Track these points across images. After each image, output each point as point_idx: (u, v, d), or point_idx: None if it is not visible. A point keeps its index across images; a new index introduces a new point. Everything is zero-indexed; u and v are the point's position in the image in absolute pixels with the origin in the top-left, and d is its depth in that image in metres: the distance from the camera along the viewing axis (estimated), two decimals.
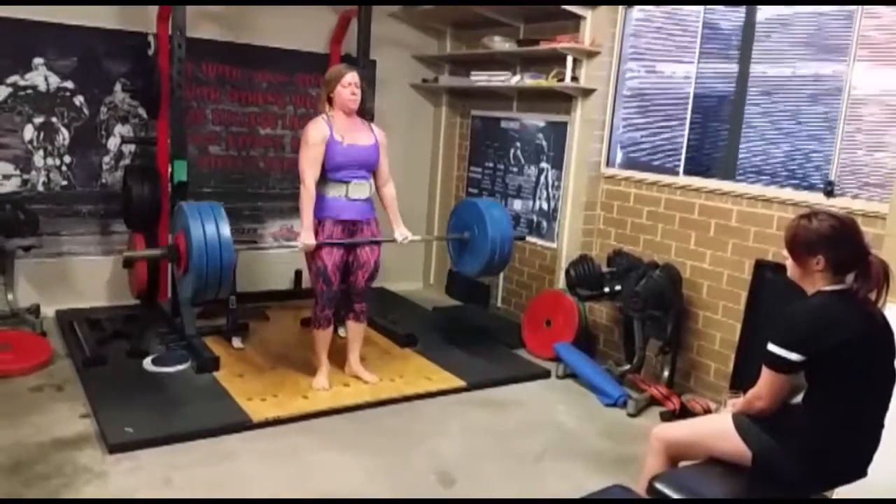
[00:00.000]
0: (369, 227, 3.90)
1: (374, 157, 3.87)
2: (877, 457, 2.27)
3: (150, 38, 4.84)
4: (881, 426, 2.26)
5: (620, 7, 4.61)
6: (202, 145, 5.22)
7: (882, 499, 2.70)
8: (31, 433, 3.26)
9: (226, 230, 3.39)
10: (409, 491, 3.05)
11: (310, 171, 3.68)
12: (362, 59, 5.07)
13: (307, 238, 3.68)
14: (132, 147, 5.02)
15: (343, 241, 3.81)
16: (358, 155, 3.80)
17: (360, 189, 3.81)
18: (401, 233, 4.01)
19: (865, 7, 3.48)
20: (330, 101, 3.79)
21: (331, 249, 3.75)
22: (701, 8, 4.22)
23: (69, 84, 4.77)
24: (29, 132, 4.70)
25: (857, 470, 2.29)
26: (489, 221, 4.21)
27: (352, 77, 3.75)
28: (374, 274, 3.96)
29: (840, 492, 2.53)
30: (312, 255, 3.76)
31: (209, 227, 3.35)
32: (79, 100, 4.82)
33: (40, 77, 4.68)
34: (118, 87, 4.92)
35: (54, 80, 4.72)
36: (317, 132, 3.70)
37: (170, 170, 4.41)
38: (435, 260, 6.37)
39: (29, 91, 4.65)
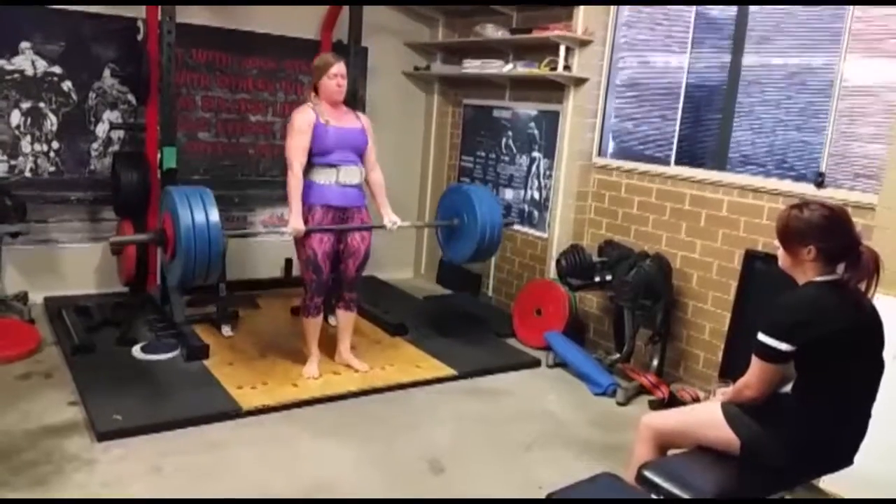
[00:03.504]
0: (360, 214, 3.88)
1: (362, 141, 3.87)
2: (863, 445, 2.29)
3: (140, 24, 4.78)
4: (868, 416, 2.28)
5: None
6: (191, 132, 5.18)
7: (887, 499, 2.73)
8: (19, 420, 3.24)
9: (214, 214, 3.34)
10: (399, 478, 3.06)
11: (297, 158, 3.67)
12: (353, 47, 5.05)
13: (296, 224, 3.64)
14: (121, 133, 4.97)
15: (332, 228, 3.78)
16: (345, 137, 3.79)
17: (351, 174, 3.80)
18: (390, 219, 3.96)
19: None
20: (316, 89, 3.79)
21: (321, 237, 3.73)
22: None
23: (57, 69, 4.71)
24: (16, 117, 4.65)
25: (844, 458, 2.31)
26: (478, 207, 4.19)
27: (338, 68, 3.73)
28: (364, 262, 3.95)
29: (826, 479, 2.55)
30: (302, 243, 3.74)
31: (197, 211, 3.31)
32: (67, 85, 4.77)
33: (27, 62, 4.62)
34: (107, 72, 4.87)
35: (41, 65, 4.67)
36: (302, 119, 3.70)
37: (159, 156, 4.37)
38: (426, 249, 6.36)
39: (16, 76, 4.60)
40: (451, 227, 4.36)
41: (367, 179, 3.96)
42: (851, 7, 3.49)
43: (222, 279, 4.46)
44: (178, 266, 3.34)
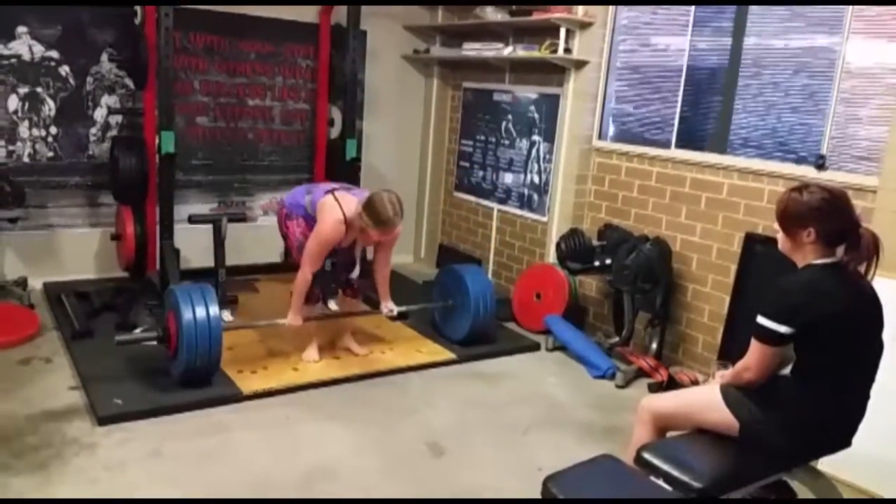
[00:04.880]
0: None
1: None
2: (861, 427, 2.29)
3: (137, 7, 4.74)
4: (867, 398, 2.28)
5: None
6: (190, 116, 5.16)
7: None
8: (20, 405, 3.25)
9: (215, 312, 3.42)
10: (399, 461, 3.07)
11: (312, 265, 3.66)
12: (353, 30, 5.01)
13: (295, 320, 3.75)
14: (119, 118, 4.95)
15: (328, 315, 3.94)
16: (349, 251, 3.85)
17: None
18: (386, 306, 3.97)
19: None
20: (363, 217, 3.56)
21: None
22: None
23: (54, 53, 4.69)
24: (13, 102, 4.63)
25: (842, 441, 2.32)
26: (471, 285, 4.23)
27: (393, 233, 3.61)
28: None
29: (825, 461, 2.56)
30: (296, 233, 3.84)
31: (199, 311, 3.38)
32: (64, 70, 4.74)
33: (24, 46, 4.59)
34: (104, 56, 4.84)
35: (39, 50, 4.64)
36: (333, 233, 3.60)
37: (157, 141, 4.36)
38: (426, 234, 6.35)
39: (13, 60, 4.57)
40: (446, 307, 4.41)
41: (375, 269, 3.96)
42: None
43: (222, 264, 4.46)
44: (182, 364, 3.41)
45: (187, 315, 3.36)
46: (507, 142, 5.44)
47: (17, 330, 3.98)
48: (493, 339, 4.45)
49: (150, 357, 3.76)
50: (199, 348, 3.37)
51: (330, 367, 3.89)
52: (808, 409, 2.21)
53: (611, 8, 4.61)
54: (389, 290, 4.01)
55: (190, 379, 3.45)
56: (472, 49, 5.36)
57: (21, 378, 3.53)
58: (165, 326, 3.54)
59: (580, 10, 4.59)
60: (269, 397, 3.53)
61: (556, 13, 4.58)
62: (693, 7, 4.20)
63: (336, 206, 3.62)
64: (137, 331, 3.98)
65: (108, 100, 4.91)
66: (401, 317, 4.61)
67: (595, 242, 4.40)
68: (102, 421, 3.14)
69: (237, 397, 3.48)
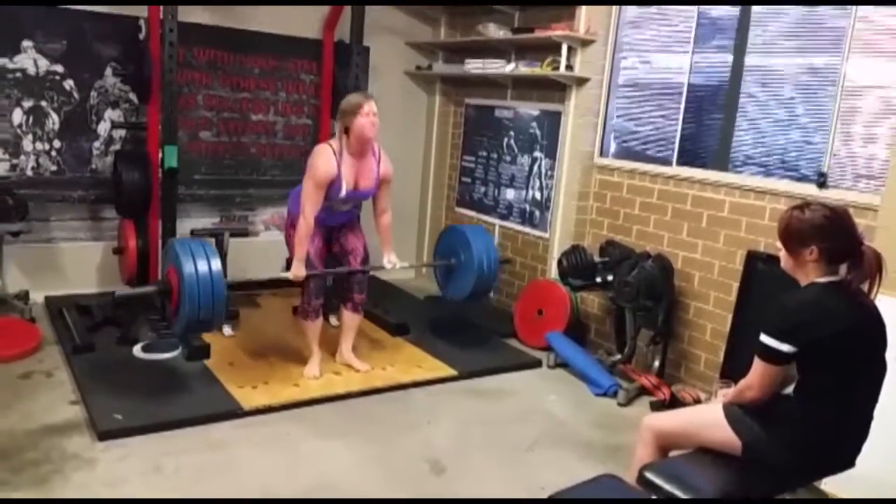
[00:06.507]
0: (351, 220, 3.96)
1: (370, 196, 3.89)
2: (865, 447, 2.28)
3: (142, 22, 4.78)
4: (871, 417, 2.27)
5: None
6: (193, 131, 5.18)
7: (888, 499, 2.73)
8: (20, 420, 3.24)
9: (217, 265, 3.40)
10: (400, 478, 3.05)
11: (312, 208, 3.65)
12: (355, 46, 5.04)
13: (298, 270, 3.70)
14: (122, 132, 4.97)
15: (332, 271, 3.95)
16: (355, 197, 3.83)
17: (346, 205, 3.87)
18: (389, 259, 4.00)
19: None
20: (346, 130, 3.66)
21: (311, 237, 3.75)
22: None
23: (59, 68, 4.71)
24: (18, 116, 4.65)
25: (846, 460, 2.31)
26: (474, 243, 4.27)
27: (370, 106, 3.64)
28: (366, 258, 3.99)
29: (828, 481, 2.54)
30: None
31: (201, 263, 3.35)
32: (69, 84, 4.77)
33: (29, 60, 4.62)
34: (109, 71, 4.86)
35: (44, 64, 4.67)
36: (326, 170, 3.62)
37: (160, 155, 4.37)
38: (427, 249, 6.35)
39: (17, 74, 4.60)
40: (448, 266, 4.43)
41: (375, 220, 4.00)
42: (855, 7, 3.48)
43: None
44: (184, 318, 3.38)
45: (188, 267, 3.32)
46: (508, 158, 5.46)
47: (18, 344, 3.97)
48: (492, 289, 4.53)
49: (151, 372, 3.76)
50: (202, 299, 3.32)
51: (331, 383, 3.88)
52: (811, 429, 2.20)
53: (612, 25, 4.63)
54: (391, 245, 4.03)
55: (192, 332, 3.42)
56: (474, 66, 5.39)
57: (21, 392, 3.52)
58: (166, 279, 3.50)
59: (582, 28, 4.62)
60: (270, 413, 3.52)
61: (558, 31, 4.61)
62: (694, 25, 4.22)
63: (324, 146, 3.70)
64: (141, 344, 3.99)
65: (111, 114, 4.93)
66: (401, 331, 4.62)
67: (597, 259, 4.40)
68: (102, 436, 3.12)
69: (238, 413, 3.46)
